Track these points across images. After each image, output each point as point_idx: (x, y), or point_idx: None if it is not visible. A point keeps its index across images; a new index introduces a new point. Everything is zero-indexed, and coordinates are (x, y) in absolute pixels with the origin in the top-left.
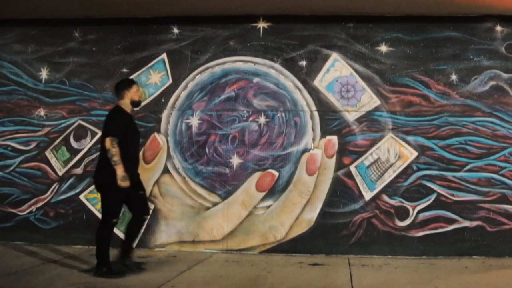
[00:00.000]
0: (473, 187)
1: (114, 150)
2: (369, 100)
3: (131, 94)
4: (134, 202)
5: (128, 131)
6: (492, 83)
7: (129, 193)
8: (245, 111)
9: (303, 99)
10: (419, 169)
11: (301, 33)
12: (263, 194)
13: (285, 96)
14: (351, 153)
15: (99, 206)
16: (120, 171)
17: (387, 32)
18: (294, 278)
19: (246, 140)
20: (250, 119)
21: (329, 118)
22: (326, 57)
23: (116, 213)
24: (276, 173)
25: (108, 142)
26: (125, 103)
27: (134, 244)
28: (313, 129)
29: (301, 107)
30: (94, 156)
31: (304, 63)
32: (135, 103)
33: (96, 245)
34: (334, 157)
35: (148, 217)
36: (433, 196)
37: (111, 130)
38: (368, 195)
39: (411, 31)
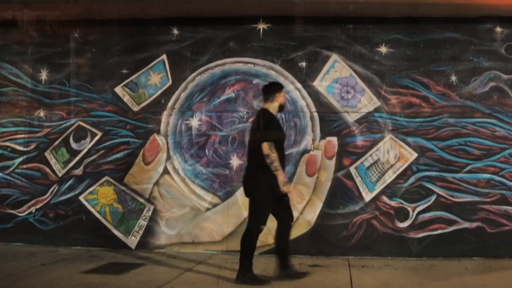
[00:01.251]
0: (473, 188)
1: (273, 155)
2: (369, 101)
3: (281, 97)
4: (280, 208)
5: (279, 134)
6: (492, 84)
7: (277, 198)
8: (245, 112)
9: (303, 100)
10: (419, 170)
11: (301, 34)
12: None
13: (285, 97)
14: (351, 154)
15: (98, 207)
16: (281, 176)
17: (387, 33)
18: (294, 280)
19: (246, 141)
20: (250, 120)
21: (329, 119)
22: (326, 58)
23: (265, 220)
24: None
25: (266, 147)
26: (273, 106)
27: (288, 251)
28: (313, 130)
29: (300, 108)
30: (94, 157)
31: (304, 64)
32: (281, 107)
33: (241, 250)
34: (334, 158)
35: (293, 223)
36: (433, 197)
37: (268, 134)
38: (368, 196)
39: (410, 32)
